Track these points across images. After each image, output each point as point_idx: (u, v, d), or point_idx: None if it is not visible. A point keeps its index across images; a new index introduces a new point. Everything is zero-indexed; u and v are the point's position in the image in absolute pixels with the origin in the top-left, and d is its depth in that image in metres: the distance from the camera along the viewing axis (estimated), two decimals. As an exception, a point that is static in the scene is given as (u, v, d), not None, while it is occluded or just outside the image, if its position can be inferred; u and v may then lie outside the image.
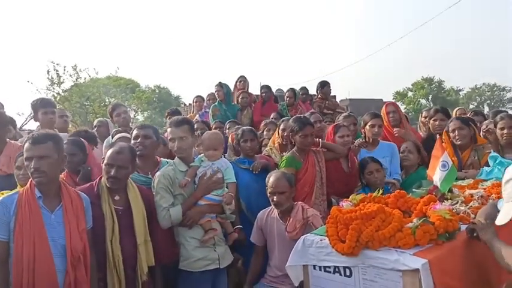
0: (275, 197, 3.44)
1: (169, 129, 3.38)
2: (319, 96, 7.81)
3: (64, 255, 2.48)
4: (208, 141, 3.45)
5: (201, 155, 3.50)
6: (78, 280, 2.51)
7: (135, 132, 3.49)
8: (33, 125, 7.02)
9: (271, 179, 3.52)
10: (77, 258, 2.51)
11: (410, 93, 50.32)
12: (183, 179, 3.27)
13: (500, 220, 2.19)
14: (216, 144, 3.45)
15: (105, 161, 2.93)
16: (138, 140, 3.42)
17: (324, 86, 7.75)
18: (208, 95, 7.92)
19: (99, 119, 6.11)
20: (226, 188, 3.42)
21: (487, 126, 4.73)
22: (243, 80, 7.66)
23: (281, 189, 3.43)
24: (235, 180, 3.49)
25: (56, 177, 2.61)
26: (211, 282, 3.34)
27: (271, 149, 4.70)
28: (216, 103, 7.19)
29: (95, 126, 5.72)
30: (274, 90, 7.93)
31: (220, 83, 7.24)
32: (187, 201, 3.26)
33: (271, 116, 6.21)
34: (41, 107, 4.75)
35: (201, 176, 3.34)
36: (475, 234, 2.52)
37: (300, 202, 3.62)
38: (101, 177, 2.98)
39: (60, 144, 2.65)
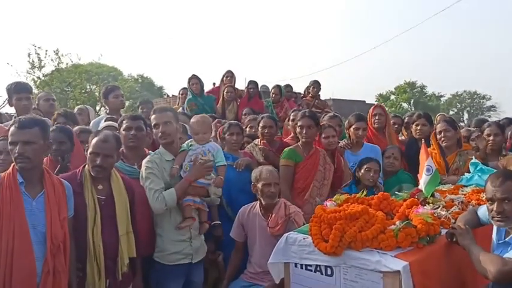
0: (272, 188, 3.45)
1: (153, 116, 3.33)
2: (310, 94, 7.86)
3: (44, 243, 2.42)
4: (196, 125, 3.41)
5: (189, 140, 3.45)
6: (57, 268, 2.46)
7: (127, 123, 3.40)
8: (10, 109, 6.73)
9: (263, 171, 3.52)
10: (56, 246, 2.45)
11: (392, 97, 50.89)
12: (173, 168, 3.23)
13: None
14: (205, 128, 3.41)
15: (90, 150, 2.86)
16: (131, 132, 3.36)
17: (315, 85, 7.87)
18: (182, 89, 7.77)
19: (79, 106, 5.96)
20: (213, 174, 3.37)
21: (470, 134, 4.83)
22: (230, 76, 7.57)
23: (276, 180, 3.49)
24: (225, 163, 3.44)
25: (40, 163, 2.55)
26: (185, 275, 3.30)
27: (253, 146, 4.67)
28: (190, 97, 7.00)
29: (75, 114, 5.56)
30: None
31: (196, 75, 7.05)
32: (181, 185, 3.19)
33: (244, 112, 6.18)
34: (14, 92, 4.48)
35: (193, 160, 3.28)
36: (454, 239, 2.57)
37: (283, 199, 3.63)
38: (84, 166, 2.92)
39: (47, 130, 2.58)
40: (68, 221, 2.60)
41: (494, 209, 2.37)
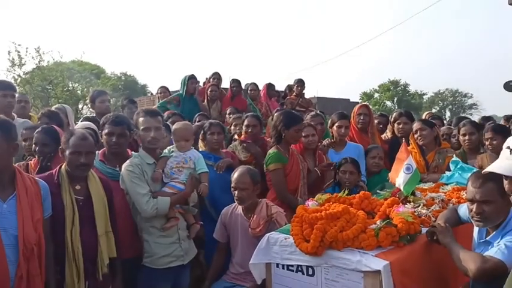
0: (236, 192, 3.44)
1: (143, 119, 3.24)
2: (294, 93, 7.87)
3: (16, 247, 2.34)
4: (179, 132, 3.39)
5: (170, 146, 3.43)
6: (31, 272, 2.38)
7: (109, 128, 3.30)
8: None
9: (235, 174, 3.50)
10: (30, 249, 2.37)
11: (376, 95, 51.32)
12: (156, 172, 3.20)
13: (497, 168, 2.08)
14: (187, 135, 3.41)
15: (70, 150, 2.77)
16: (113, 140, 3.28)
17: (299, 84, 7.91)
18: (160, 88, 7.81)
19: (56, 105, 5.87)
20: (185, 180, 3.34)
21: (451, 132, 4.87)
22: (217, 78, 7.62)
23: (243, 185, 3.42)
24: (207, 170, 3.43)
25: (7, 166, 2.44)
26: (174, 277, 3.28)
27: (235, 145, 4.64)
28: (180, 93, 6.99)
29: None
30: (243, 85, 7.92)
31: (195, 76, 7.12)
32: (177, 197, 3.20)
33: (228, 112, 6.17)
34: (0, 89, 4.56)
35: (175, 167, 3.28)
36: (434, 238, 2.58)
37: (265, 199, 3.61)
38: (60, 166, 2.86)
39: (11, 131, 2.46)
40: (45, 222, 2.53)
41: (474, 209, 2.37)
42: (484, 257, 2.25)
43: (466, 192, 2.57)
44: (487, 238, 2.42)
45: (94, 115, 5.49)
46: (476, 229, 2.53)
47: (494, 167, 2.03)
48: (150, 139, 3.20)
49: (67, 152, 2.78)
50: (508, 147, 2.06)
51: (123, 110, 5.92)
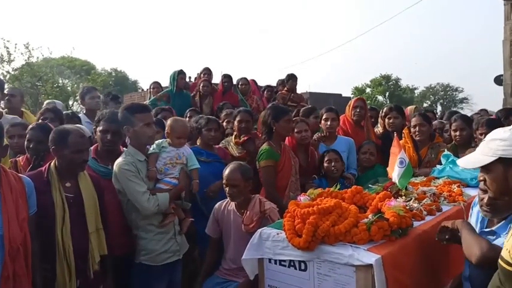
0: (227, 189, 3.44)
1: (142, 114, 3.19)
2: (286, 88, 7.86)
3: (1, 247, 2.30)
4: (181, 129, 3.45)
5: (159, 141, 3.41)
6: (17, 272, 2.34)
7: (104, 125, 3.28)
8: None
9: (227, 170, 3.49)
10: (15, 249, 2.33)
11: (368, 90, 51.41)
12: (151, 170, 3.21)
13: (465, 163, 2.07)
14: (187, 133, 3.54)
15: (73, 148, 2.74)
16: (108, 137, 3.26)
17: (291, 79, 7.86)
18: (152, 83, 7.83)
19: (47, 101, 5.83)
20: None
21: (443, 126, 4.88)
22: (207, 73, 7.62)
23: (233, 182, 3.40)
24: (198, 166, 3.47)
25: None
26: (170, 272, 3.30)
27: (228, 141, 4.62)
28: (170, 89, 6.99)
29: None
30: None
31: (184, 71, 7.13)
32: (174, 191, 3.25)
33: (221, 107, 6.16)
34: None
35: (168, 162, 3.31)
36: (447, 237, 2.42)
37: (258, 195, 3.60)
38: (50, 163, 2.82)
39: (1, 133, 2.43)
40: (30, 220, 2.49)
41: (486, 200, 2.15)
42: (493, 245, 2.10)
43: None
44: (493, 228, 2.26)
45: (84, 111, 5.51)
46: (475, 216, 2.43)
47: (462, 162, 2.03)
48: (152, 134, 3.22)
49: (67, 151, 2.74)
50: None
51: (106, 106, 5.87)
